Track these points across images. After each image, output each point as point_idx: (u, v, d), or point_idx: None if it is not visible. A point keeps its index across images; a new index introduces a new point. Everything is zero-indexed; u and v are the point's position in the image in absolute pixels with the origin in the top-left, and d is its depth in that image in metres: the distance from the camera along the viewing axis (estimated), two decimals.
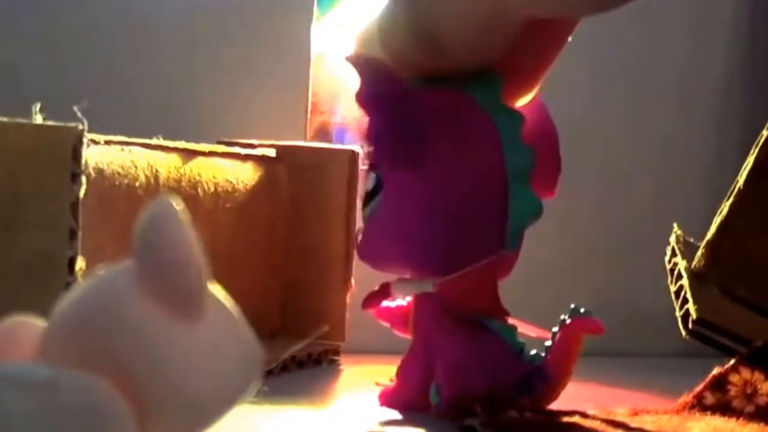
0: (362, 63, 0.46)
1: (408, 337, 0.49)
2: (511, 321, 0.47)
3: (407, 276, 0.48)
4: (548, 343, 0.47)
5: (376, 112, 0.45)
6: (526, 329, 0.48)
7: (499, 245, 0.46)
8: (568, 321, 0.47)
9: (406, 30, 0.45)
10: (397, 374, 0.48)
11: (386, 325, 0.50)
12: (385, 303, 0.49)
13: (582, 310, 0.47)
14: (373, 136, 0.46)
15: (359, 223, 0.50)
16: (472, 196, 0.46)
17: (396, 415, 0.47)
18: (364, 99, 0.46)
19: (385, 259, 0.48)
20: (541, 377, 0.46)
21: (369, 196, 0.48)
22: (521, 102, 0.48)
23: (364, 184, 0.49)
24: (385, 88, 0.45)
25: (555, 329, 0.47)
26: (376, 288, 0.49)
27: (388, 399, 0.48)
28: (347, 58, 0.47)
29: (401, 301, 0.49)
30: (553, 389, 0.47)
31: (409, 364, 0.48)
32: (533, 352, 0.47)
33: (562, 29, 0.47)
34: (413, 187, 0.46)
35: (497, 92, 0.46)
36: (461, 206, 0.45)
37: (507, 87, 0.47)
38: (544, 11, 0.44)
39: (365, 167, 0.49)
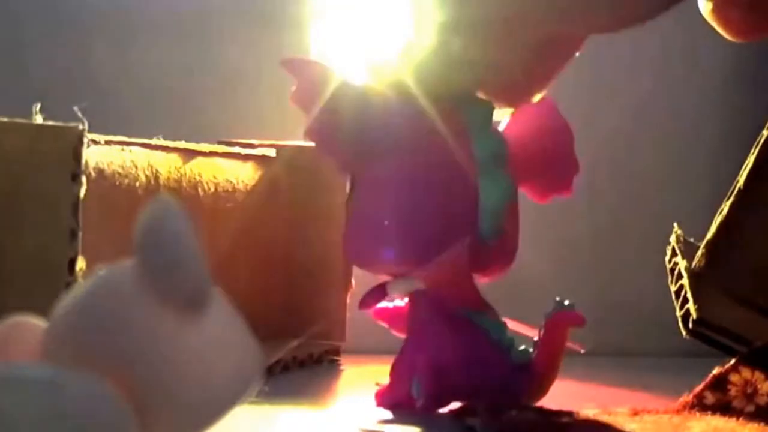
0: (296, 65, 0.47)
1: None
2: (503, 319, 0.47)
3: (392, 273, 0.48)
4: (536, 338, 0.47)
5: (309, 112, 0.46)
6: (517, 327, 0.48)
7: (473, 232, 0.46)
8: (552, 315, 0.47)
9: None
10: (390, 374, 0.48)
11: (384, 325, 0.50)
12: (384, 304, 0.49)
13: (566, 303, 0.47)
14: (308, 134, 0.46)
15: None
16: (444, 185, 0.46)
17: (395, 415, 0.47)
18: (296, 99, 0.46)
19: (366, 257, 0.48)
20: (528, 373, 0.46)
21: (349, 197, 0.48)
22: (533, 100, 0.48)
23: None
24: (317, 88, 0.45)
25: (542, 324, 0.47)
26: (372, 288, 0.49)
27: (382, 399, 0.48)
28: (283, 62, 0.47)
29: (400, 301, 0.49)
30: (541, 385, 0.47)
31: (402, 364, 0.48)
32: (522, 347, 0.47)
33: (573, 41, 0.47)
34: (383, 182, 0.46)
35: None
36: (433, 196, 0.45)
37: (510, 92, 0.47)
38: (569, 28, 0.44)
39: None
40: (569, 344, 0.48)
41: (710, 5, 0.42)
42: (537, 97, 0.49)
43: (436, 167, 0.46)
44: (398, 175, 0.46)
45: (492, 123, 0.47)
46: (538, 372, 0.46)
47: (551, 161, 0.49)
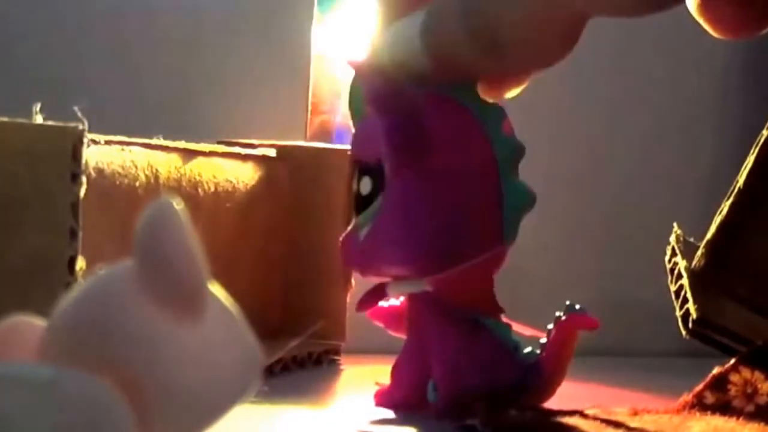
0: (365, 66, 0.46)
1: (403, 336, 0.49)
2: (504, 320, 0.47)
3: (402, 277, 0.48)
4: (543, 340, 0.47)
5: (389, 112, 0.45)
6: (519, 328, 0.48)
7: (498, 237, 0.46)
8: (563, 317, 0.46)
9: (459, 29, 0.44)
10: (392, 374, 0.48)
11: (380, 325, 0.50)
12: (379, 303, 0.49)
13: (577, 307, 0.47)
14: (390, 135, 0.45)
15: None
16: (472, 190, 0.46)
17: (394, 415, 0.47)
18: (376, 99, 0.45)
19: (386, 262, 0.47)
20: (536, 374, 0.46)
21: (364, 201, 0.47)
22: (509, 95, 0.48)
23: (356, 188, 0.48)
24: (391, 88, 0.45)
25: (550, 326, 0.47)
26: (370, 289, 0.49)
27: (383, 399, 0.48)
28: (350, 63, 0.47)
29: (394, 300, 0.49)
30: (549, 386, 0.47)
31: (403, 364, 0.48)
32: (528, 349, 0.47)
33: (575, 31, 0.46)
34: (419, 186, 0.45)
35: (474, 89, 0.46)
36: (464, 201, 0.45)
37: (493, 82, 0.47)
38: (606, 11, 0.43)
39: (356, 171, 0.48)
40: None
41: (698, 0, 0.41)
42: (514, 91, 0.48)
43: (465, 172, 0.45)
44: (432, 179, 0.45)
45: (503, 125, 0.47)
46: (546, 373, 0.46)
47: None
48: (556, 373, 0.47)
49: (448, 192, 0.45)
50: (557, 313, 0.47)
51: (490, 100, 0.47)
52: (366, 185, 0.47)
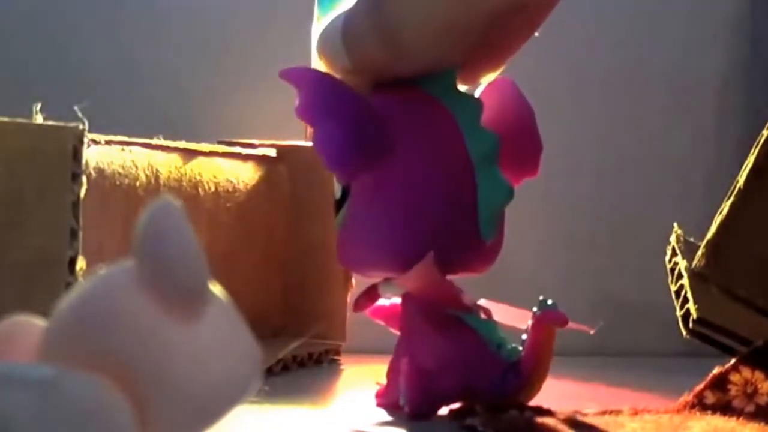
0: (299, 74, 0.46)
1: None
2: (494, 305, 0.47)
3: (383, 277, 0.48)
4: (524, 336, 0.47)
5: (323, 121, 0.45)
6: (508, 318, 0.48)
7: (474, 234, 0.45)
8: (537, 315, 0.46)
9: (370, 31, 0.44)
10: (387, 375, 0.48)
11: (381, 323, 0.50)
12: (381, 301, 0.49)
13: (549, 302, 0.46)
14: (324, 145, 0.45)
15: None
16: (441, 189, 0.45)
17: (394, 415, 0.47)
18: (307, 110, 0.45)
19: (363, 263, 0.47)
20: (515, 375, 0.46)
21: (338, 205, 0.47)
22: (483, 81, 0.48)
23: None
24: (329, 96, 0.45)
25: (530, 322, 0.46)
26: (365, 290, 0.49)
27: (384, 399, 0.48)
28: (281, 74, 0.45)
29: (397, 299, 0.49)
30: (530, 384, 0.46)
31: (393, 366, 0.48)
32: (512, 345, 0.46)
33: (531, 15, 0.47)
34: (379, 190, 0.45)
35: (450, 82, 0.46)
36: (431, 201, 0.45)
37: (467, 69, 0.46)
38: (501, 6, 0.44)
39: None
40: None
41: None
42: (488, 77, 0.48)
43: (433, 171, 0.45)
44: (395, 181, 0.45)
45: (481, 118, 0.46)
46: (526, 371, 0.46)
47: (515, 142, 0.47)
48: (536, 370, 0.46)
49: (413, 194, 0.45)
50: (534, 309, 0.46)
51: (465, 89, 0.47)
52: (338, 190, 0.47)
